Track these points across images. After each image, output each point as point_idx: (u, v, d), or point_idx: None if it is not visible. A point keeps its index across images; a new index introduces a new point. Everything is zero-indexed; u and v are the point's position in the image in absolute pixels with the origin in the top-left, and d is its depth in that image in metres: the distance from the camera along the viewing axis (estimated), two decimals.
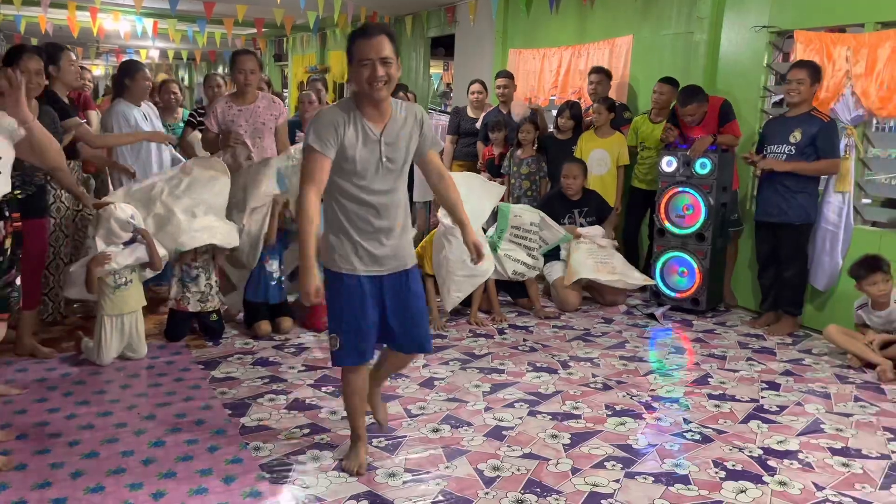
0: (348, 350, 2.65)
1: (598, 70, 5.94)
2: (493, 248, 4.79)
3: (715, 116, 5.02)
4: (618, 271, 5.07)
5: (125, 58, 18.35)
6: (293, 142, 5.04)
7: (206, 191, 4.15)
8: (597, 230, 5.23)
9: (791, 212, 4.52)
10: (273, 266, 4.40)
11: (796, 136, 4.45)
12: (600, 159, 5.61)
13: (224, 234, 4.13)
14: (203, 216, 4.09)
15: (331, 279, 2.64)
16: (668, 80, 5.42)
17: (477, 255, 2.76)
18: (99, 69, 19.48)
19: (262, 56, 15.47)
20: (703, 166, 4.92)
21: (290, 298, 4.75)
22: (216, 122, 4.51)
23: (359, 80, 2.45)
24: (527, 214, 4.96)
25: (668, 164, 5.10)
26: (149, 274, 4.00)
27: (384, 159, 2.54)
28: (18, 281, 3.04)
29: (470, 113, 6.58)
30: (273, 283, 4.40)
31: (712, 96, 5.09)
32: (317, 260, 2.53)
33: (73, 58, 4.35)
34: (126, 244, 3.79)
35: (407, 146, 2.62)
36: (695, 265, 5.04)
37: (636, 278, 5.12)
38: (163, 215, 4.02)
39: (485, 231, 4.93)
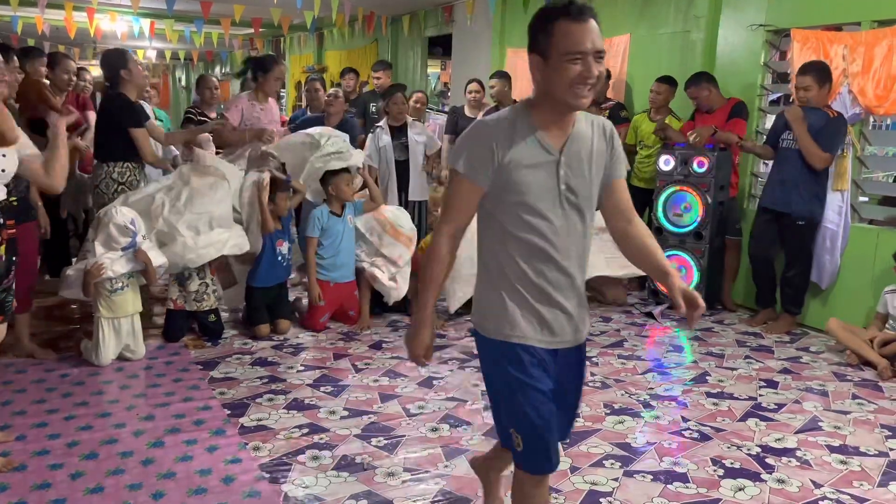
0: (536, 452, 1.92)
1: None
2: None
3: (726, 114, 5.01)
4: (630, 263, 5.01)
5: None
6: None
7: (207, 201, 4.11)
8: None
9: (794, 205, 4.50)
10: (285, 247, 4.38)
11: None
12: None
13: (233, 245, 4.12)
14: (208, 231, 4.06)
15: (495, 351, 1.93)
16: (666, 80, 5.43)
17: (688, 306, 1.85)
18: (97, 69, 19.43)
19: (271, 55, 15.46)
20: (700, 165, 4.93)
21: (290, 297, 4.76)
22: (239, 117, 4.75)
23: (558, 80, 1.76)
24: None
25: (666, 162, 5.11)
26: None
27: (563, 187, 1.85)
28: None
29: (467, 112, 6.58)
30: (285, 264, 4.40)
31: (729, 97, 5.08)
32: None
33: (137, 59, 4.41)
34: (125, 249, 3.78)
35: (594, 170, 1.90)
36: (693, 264, 5.04)
37: None
38: (166, 233, 4.00)
39: None
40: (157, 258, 3.89)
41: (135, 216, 3.83)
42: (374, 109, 6.80)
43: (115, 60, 4.26)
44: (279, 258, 4.35)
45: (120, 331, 3.82)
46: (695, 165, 4.95)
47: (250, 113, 4.82)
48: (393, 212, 4.71)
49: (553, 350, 1.93)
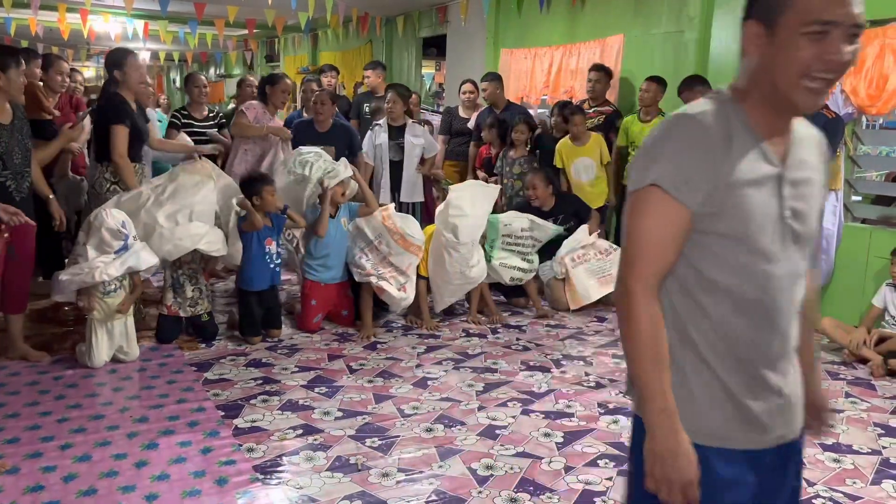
0: None
1: (597, 68, 5.88)
2: (487, 259, 4.77)
3: None
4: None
5: None
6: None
7: (189, 196, 4.10)
8: (581, 232, 5.08)
9: None
10: (272, 247, 4.26)
11: None
12: (587, 167, 5.61)
13: (209, 241, 4.07)
14: (186, 223, 4.04)
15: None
16: (655, 79, 5.42)
17: (817, 421, 1.54)
18: (90, 70, 19.42)
19: (255, 57, 15.46)
20: None
21: (285, 298, 4.75)
22: (254, 118, 5.07)
23: (786, 64, 1.23)
24: (517, 221, 4.92)
25: None
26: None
27: (787, 212, 1.31)
28: None
29: (461, 113, 6.58)
30: (272, 265, 4.28)
31: None
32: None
33: (138, 62, 4.39)
34: (118, 252, 3.76)
35: (817, 191, 1.39)
36: None
37: None
38: (148, 224, 3.98)
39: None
40: (150, 258, 3.87)
41: (125, 218, 3.81)
42: (366, 109, 6.79)
43: (114, 59, 4.26)
44: (267, 257, 4.26)
45: (112, 332, 3.81)
46: None
47: (262, 120, 5.03)
48: (402, 219, 4.55)
49: (756, 452, 1.33)
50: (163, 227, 3.98)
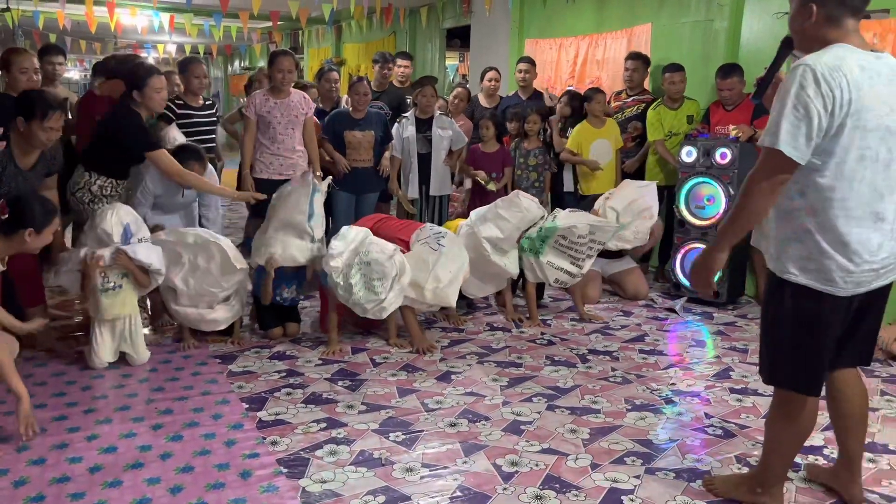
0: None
1: (634, 56, 5.76)
2: (536, 254, 4.62)
3: (749, 111, 4.92)
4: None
5: (143, 53, 18.52)
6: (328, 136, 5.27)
7: (217, 284, 3.94)
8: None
9: None
10: (286, 294, 4.17)
11: None
12: (605, 150, 5.55)
13: (210, 322, 4.03)
14: (203, 308, 3.97)
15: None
16: (678, 67, 5.35)
17: None
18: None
19: (278, 49, 15.50)
20: (723, 157, 4.82)
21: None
22: (254, 112, 4.93)
23: None
24: (579, 227, 4.53)
25: (688, 154, 5.01)
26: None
27: None
28: None
29: (483, 102, 6.50)
30: (286, 305, 4.22)
31: (748, 93, 4.99)
32: None
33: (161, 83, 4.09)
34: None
35: None
36: None
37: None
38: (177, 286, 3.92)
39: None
40: (149, 258, 3.70)
41: (133, 220, 3.70)
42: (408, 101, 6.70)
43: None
44: (277, 297, 4.13)
45: (114, 332, 3.69)
46: (717, 157, 4.85)
47: (262, 108, 4.89)
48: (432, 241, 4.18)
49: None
50: (183, 304, 3.94)
